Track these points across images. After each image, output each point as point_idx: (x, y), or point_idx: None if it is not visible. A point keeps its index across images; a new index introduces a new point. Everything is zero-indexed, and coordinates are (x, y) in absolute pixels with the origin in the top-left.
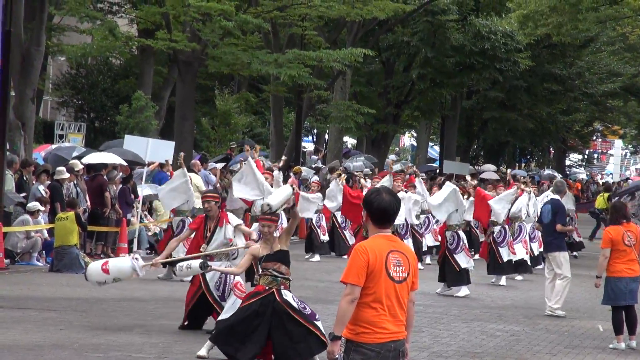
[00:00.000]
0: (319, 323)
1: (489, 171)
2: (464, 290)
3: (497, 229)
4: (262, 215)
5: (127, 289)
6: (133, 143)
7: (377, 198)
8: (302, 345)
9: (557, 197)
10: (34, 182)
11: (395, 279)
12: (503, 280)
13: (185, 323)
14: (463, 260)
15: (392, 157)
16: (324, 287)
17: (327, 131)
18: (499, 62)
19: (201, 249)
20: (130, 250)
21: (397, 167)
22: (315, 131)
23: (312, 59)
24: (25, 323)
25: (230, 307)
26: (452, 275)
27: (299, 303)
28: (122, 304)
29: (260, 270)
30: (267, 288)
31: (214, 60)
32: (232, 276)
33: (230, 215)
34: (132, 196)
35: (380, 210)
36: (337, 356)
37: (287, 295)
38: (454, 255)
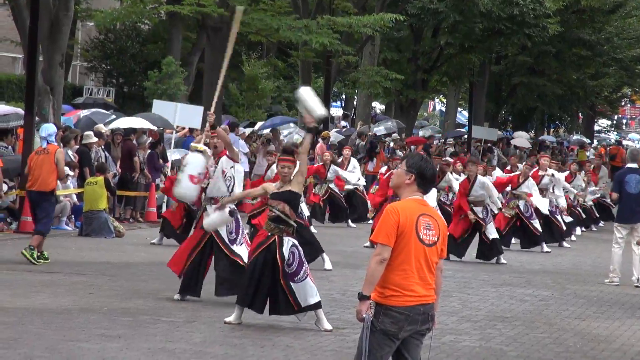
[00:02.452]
0: (294, 285)
1: (521, 138)
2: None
3: (522, 203)
4: (282, 155)
5: (157, 254)
6: (162, 108)
7: (430, 165)
8: (280, 302)
9: (635, 165)
10: (62, 146)
11: (426, 242)
12: (545, 246)
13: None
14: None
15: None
16: (352, 252)
17: (356, 97)
18: (528, 28)
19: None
20: (159, 216)
21: (425, 132)
22: (343, 96)
23: (342, 25)
24: (54, 287)
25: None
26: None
27: (291, 257)
28: (151, 268)
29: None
30: (269, 235)
31: (242, 25)
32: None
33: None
34: (161, 161)
35: (433, 177)
36: (364, 316)
37: (286, 245)
38: (531, 221)
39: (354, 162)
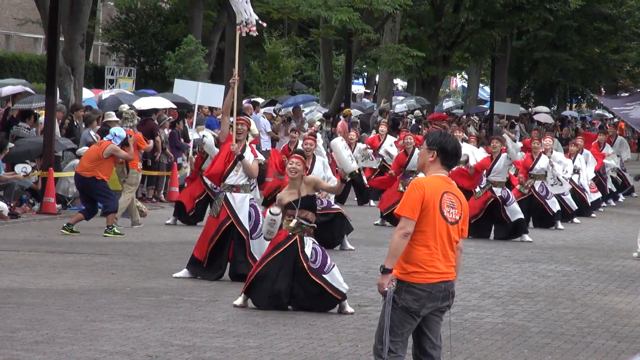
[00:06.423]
0: (327, 276)
1: (542, 113)
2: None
3: (537, 183)
4: (295, 154)
5: (179, 233)
6: (183, 87)
7: (450, 140)
8: (316, 300)
9: None
10: (84, 127)
11: (449, 219)
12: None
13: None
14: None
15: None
16: (375, 229)
17: (377, 74)
18: (549, 2)
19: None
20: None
21: (449, 104)
22: (365, 74)
23: (363, 2)
24: (77, 268)
25: (258, 249)
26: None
27: (313, 254)
28: (173, 248)
29: (286, 215)
30: (290, 234)
31: (262, 4)
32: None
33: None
34: (182, 140)
35: (455, 150)
36: (386, 289)
37: (308, 245)
38: (547, 200)
39: (390, 139)
